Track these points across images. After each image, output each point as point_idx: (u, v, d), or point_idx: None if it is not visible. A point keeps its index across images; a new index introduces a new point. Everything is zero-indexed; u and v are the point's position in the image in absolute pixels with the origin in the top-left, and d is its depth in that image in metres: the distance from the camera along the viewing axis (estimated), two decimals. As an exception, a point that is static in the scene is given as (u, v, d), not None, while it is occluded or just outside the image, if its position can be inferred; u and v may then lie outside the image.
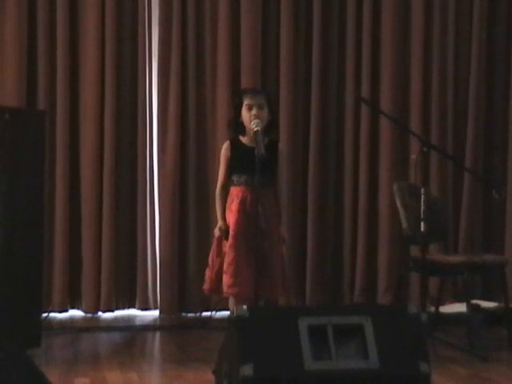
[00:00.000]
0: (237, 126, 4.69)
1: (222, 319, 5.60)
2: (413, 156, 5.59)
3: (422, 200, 4.89)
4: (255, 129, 4.48)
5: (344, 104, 6.28)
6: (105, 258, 6.01)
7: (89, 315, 6.00)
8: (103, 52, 6.03)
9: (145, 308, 6.11)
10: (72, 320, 5.91)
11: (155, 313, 6.10)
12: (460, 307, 5.46)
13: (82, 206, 6.03)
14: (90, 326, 5.64)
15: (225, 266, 4.54)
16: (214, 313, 5.88)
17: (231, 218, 4.58)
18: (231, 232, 4.55)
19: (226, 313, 5.17)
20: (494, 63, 6.40)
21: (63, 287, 5.99)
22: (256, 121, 4.52)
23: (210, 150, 6.11)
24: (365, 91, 6.21)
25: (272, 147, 4.61)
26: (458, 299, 5.84)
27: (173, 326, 5.71)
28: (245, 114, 4.61)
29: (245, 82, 6.07)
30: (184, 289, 6.10)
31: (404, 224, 5.23)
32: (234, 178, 4.64)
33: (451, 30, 6.30)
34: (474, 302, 5.32)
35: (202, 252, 5.71)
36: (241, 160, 4.60)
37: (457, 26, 6.32)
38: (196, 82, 6.13)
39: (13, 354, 3.04)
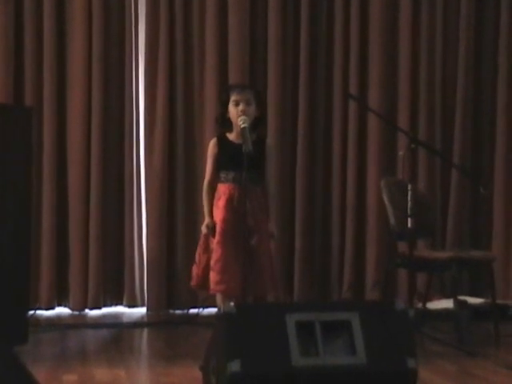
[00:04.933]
0: (224, 122, 4.69)
1: (209, 316, 5.61)
2: (400, 152, 5.60)
3: (410, 196, 4.91)
4: (242, 125, 4.48)
5: (332, 100, 6.29)
6: (92, 255, 6.01)
7: (76, 312, 6.00)
8: (90, 50, 6.02)
9: (132, 305, 6.11)
10: (59, 317, 5.91)
11: (143, 310, 6.10)
12: (447, 303, 5.48)
13: (69, 204, 6.03)
14: (77, 323, 5.64)
15: (212, 262, 4.54)
16: (201, 310, 5.89)
17: (218, 214, 4.58)
18: (218, 229, 4.55)
19: (214, 309, 5.19)
20: (482, 60, 6.42)
21: (50, 284, 5.98)
22: (243, 117, 4.52)
23: (197, 146, 6.12)
24: (353, 88, 6.23)
25: (259, 143, 4.62)
26: (445, 295, 5.86)
27: (160, 323, 5.71)
28: (232, 110, 4.61)
29: (233, 79, 6.08)
30: (171, 286, 6.10)
31: (391, 220, 5.24)
32: (222, 174, 4.64)
33: (439, 28, 6.32)
34: (461, 298, 5.35)
35: (190, 249, 5.70)
36: (228, 157, 4.60)
37: (444, 23, 6.33)
38: (184, 80, 6.13)
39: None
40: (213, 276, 4.51)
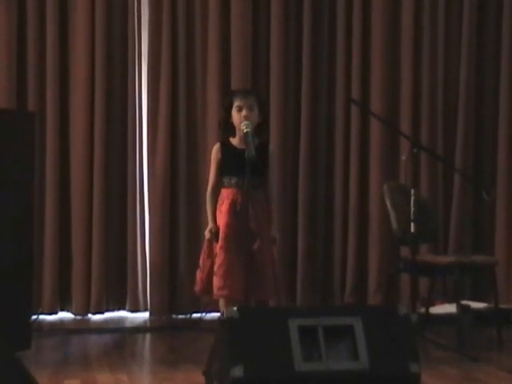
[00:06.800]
0: (227, 128, 4.68)
1: (212, 321, 5.60)
2: (403, 157, 5.61)
3: (412, 201, 4.91)
4: (245, 130, 4.47)
5: (334, 105, 6.29)
6: (95, 260, 6.01)
7: (79, 317, 6.00)
8: (93, 54, 6.03)
9: (135, 310, 6.10)
10: (62, 322, 5.91)
11: (145, 315, 6.10)
12: (450, 308, 5.47)
13: (72, 209, 6.03)
14: (80, 328, 5.64)
15: (215, 267, 4.52)
16: (204, 314, 5.89)
17: (221, 219, 4.58)
18: (221, 234, 4.54)
19: (217, 314, 5.19)
20: (484, 64, 6.43)
21: (53, 289, 5.98)
22: (246, 122, 4.51)
23: (200, 151, 6.12)
24: (355, 92, 6.23)
25: (262, 148, 4.61)
26: (448, 300, 5.85)
27: (163, 328, 5.71)
28: (235, 116, 4.60)
29: (235, 83, 6.08)
30: (174, 290, 6.10)
31: (394, 225, 5.24)
32: (225, 179, 4.63)
33: (441, 32, 6.33)
34: (464, 302, 5.34)
35: (192, 253, 5.71)
36: (231, 162, 4.59)
37: (446, 28, 6.34)
38: (186, 83, 6.14)
39: (2, 355, 3.03)
40: (216, 281, 4.50)
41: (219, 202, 4.63)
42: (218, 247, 4.55)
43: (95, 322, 5.92)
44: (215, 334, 3.64)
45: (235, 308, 3.36)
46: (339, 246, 6.27)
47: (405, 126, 6.25)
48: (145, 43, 6.15)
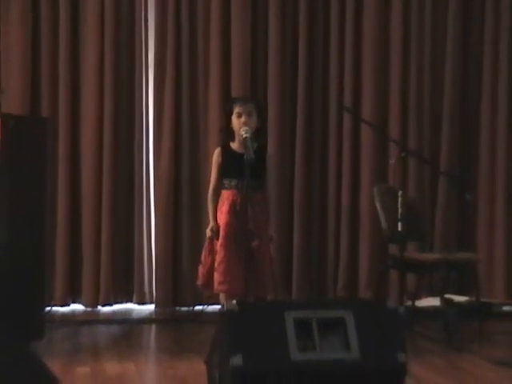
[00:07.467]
0: (227, 133, 4.70)
1: (213, 313, 5.61)
2: (392, 161, 5.63)
3: (400, 202, 4.93)
4: (244, 135, 4.49)
5: (328, 112, 6.31)
6: (104, 256, 6.03)
7: (89, 309, 6.02)
8: (102, 62, 6.05)
9: (141, 302, 6.13)
10: (73, 314, 5.93)
11: (151, 307, 6.12)
12: (434, 301, 5.49)
13: (83, 208, 6.05)
14: (90, 319, 5.66)
15: (216, 264, 4.54)
16: (205, 307, 5.90)
17: (222, 219, 4.60)
18: (222, 232, 4.56)
19: (217, 307, 5.19)
20: (468, 73, 6.45)
21: (65, 283, 6.00)
22: (245, 128, 4.53)
23: (202, 154, 6.14)
24: (347, 100, 6.25)
25: (261, 152, 4.62)
26: (433, 294, 5.87)
27: (167, 320, 5.72)
28: (235, 122, 4.63)
29: (235, 90, 6.10)
30: (178, 285, 6.12)
31: (383, 224, 5.26)
32: (225, 182, 4.65)
33: (427, 44, 6.35)
34: (448, 296, 5.36)
35: (195, 250, 5.71)
36: (231, 165, 4.61)
37: (432, 40, 6.37)
38: (189, 91, 6.16)
39: (17, 347, 3.06)
40: (216, 276, 4.52)
41: (220, 203, 4.65)
42: (218, 245, 4.57)
43: (104, 314, 5.94)
44: (216, 326, 3.65)
45: (235, 301, 3.37)
46: (332, 244, 6.28)
47: (394, 131, 6.27)
48: (151, 52, 6.16)
